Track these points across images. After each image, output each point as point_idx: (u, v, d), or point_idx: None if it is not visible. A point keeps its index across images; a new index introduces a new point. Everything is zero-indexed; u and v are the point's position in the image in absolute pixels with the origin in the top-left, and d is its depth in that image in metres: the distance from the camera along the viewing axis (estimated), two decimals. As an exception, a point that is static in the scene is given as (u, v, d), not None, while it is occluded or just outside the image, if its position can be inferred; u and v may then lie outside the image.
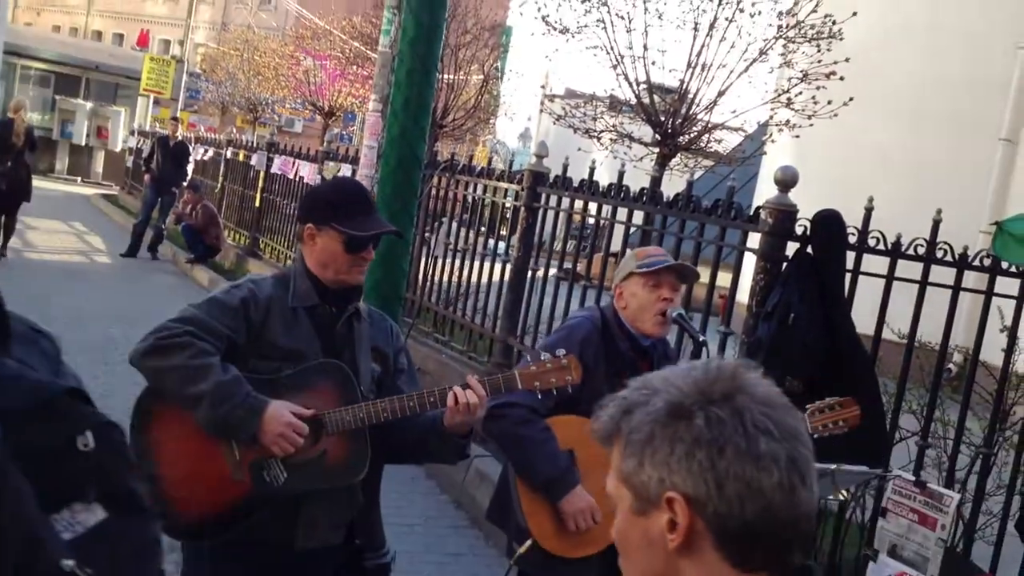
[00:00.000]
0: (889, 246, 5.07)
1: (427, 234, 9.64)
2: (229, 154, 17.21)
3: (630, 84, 10.24)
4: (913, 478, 3.97)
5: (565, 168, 7.48)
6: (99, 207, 23.36)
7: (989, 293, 5.12)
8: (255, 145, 16.35)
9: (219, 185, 17.49)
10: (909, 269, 5.03)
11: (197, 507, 2.73)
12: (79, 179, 30.79)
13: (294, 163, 13.50)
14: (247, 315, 2.75)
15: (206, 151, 18.59)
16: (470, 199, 9.39)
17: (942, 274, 5.05)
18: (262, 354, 2.77)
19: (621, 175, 6.89)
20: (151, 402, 2.77)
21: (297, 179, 13.31)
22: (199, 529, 2.76)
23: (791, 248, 5.02)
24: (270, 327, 2.77)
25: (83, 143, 31.39)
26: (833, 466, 3.19)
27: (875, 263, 5.01)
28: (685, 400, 1.27)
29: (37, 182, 25.13)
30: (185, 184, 16.17)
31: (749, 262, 5.29)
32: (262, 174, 14.88)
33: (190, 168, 16.74)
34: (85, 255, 15.68)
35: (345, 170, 11.31)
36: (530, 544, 3.24)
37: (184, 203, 15.53)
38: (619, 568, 3.48)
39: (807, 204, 5.08)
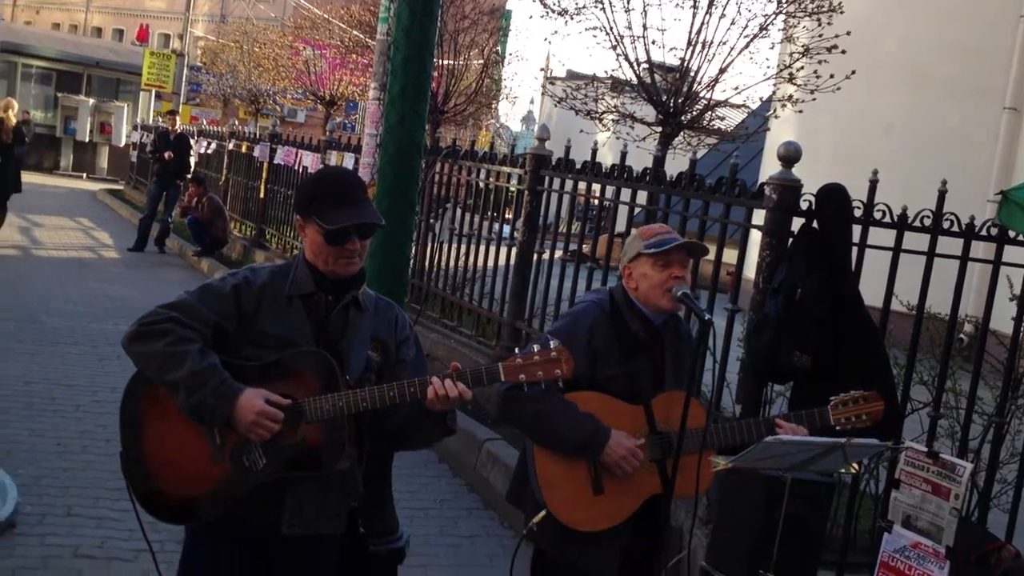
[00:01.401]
0: (895, 218, 5.05)
1: (432, 220, 9.64)
2: (232, 146, 17.20)
3: (631, 64, 10.17)
4: (925, 449, 3.97)
5: (567, 150, 7.46)
6: (105, 202, 23.39)
7: (997, 262, 5.09)
8: (258, 136, 16.34)
9: (223, 177, 17.48)
10: (916, 241, 5.01)
11: (181, 489, 2.78)
12: (84, 175, 30.88)
13: (297, 153, 13.49)
14: (238, 302, 2.78)
15: (209, 144, 18.57)
16: (474, 184, 9.38)
17: (949, 245, 5.03)
18: (254, 342, 2.79)
19: (624, 155, 6.87)
20: (139, 386, 2.82)
21: (300, 169, 13.30)
22: (184, 511, 2.81)
23: (796, 224, 5.00)
24: (262, 315, 2.80)
25: (87, 139, 31.46)
26: (843, 440, 3.19)
27: (882, 235, 4.99)
28: None
29: (42, 179, 25.37)
30: (189, 177, 16.17)
31: (755, 239, 5.28)
32: (266, 165, 14.88)
33: (193, 160, 16.73)
34: (93, 250, 15.71)
35: (348, 159, 11.29)
36: (544, 515, 3.25)
37: (189, 196, 15.53)
38: (643, 543, 3.47)
39: (812, 179, 5.06)
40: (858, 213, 4.97)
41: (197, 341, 2.70)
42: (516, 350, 2.89)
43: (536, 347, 2.83)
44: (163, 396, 2.75)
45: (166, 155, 15.80)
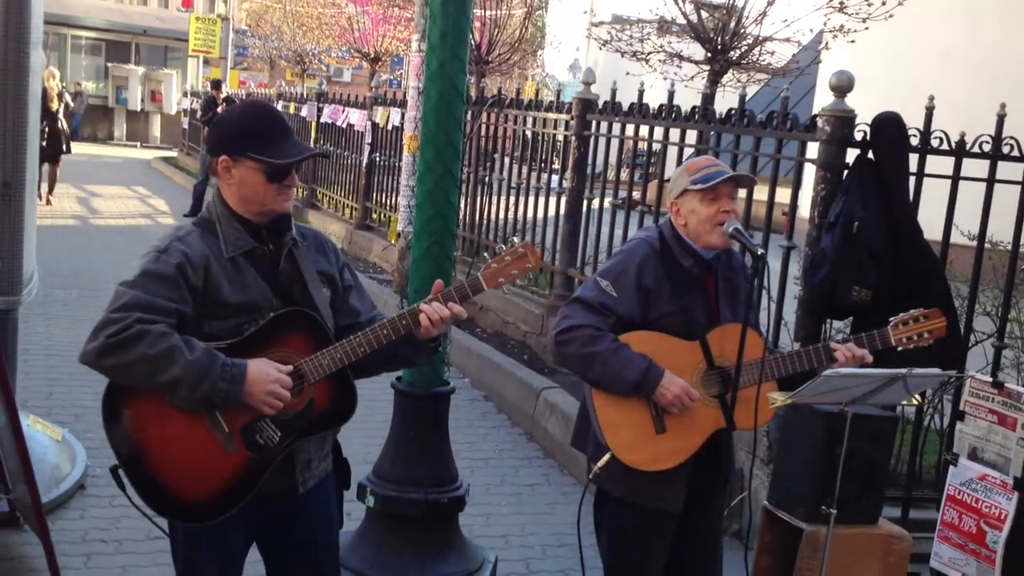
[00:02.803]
0: (953, 145, 4.92)
1: (481, 172, 9.59)
2: (280, 107, 17.26)
3: (676, 2, 10.02)
4: (990, 379, 3.89)
5: (614, 93, 7.36)
6: (159, 170, 23.68)
7: (1061, 186, 4.94)
8: (305, 97, 16.38)
9: (273, 139, 17.53)
10: (975, 168, 4.88)
11: (200, 489, 2.62)
12: (138, 144, 31.27)
13: (343, 111, 13.50)
14: (187, 282, 2.58)
15: (257, 106, 18.64)
16: (520, 133, 9.30)
17: (1010, 170, 4.89)
18: (215, 315, 2.61)
19: (671, 95, 6.76)
20: (118, 396, 2.61)
21: (346, 125, 13.31)
22: (209, 509, 2.64)
23: (851, 155, 4.89)
24: (214, 286, 2.61)
25: (138, 108, 31.84)
26: (904, 370, 3.12)
27: (939, 164, 4.86)
28: None
29: (97, 149, 25.68)
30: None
31: (809, 174, 5.17)
32: (314, 125, 14.92)
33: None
34: (150, 218, 15.93)
35: (395, 114, 11.28)
36: (609, 458, 3.23)
37: (240, 160, 15.61)
38: (704, 483, 3.42)
39: (867, 110, 4.94)
40: (914, 141, 4.84)
41: (174, 333, 2.50)
42: (487, 258, 2.89)
43: (503, 247, 2.84)
44: (149, 400, 2.57)
45: (218, 106, 15.95)
